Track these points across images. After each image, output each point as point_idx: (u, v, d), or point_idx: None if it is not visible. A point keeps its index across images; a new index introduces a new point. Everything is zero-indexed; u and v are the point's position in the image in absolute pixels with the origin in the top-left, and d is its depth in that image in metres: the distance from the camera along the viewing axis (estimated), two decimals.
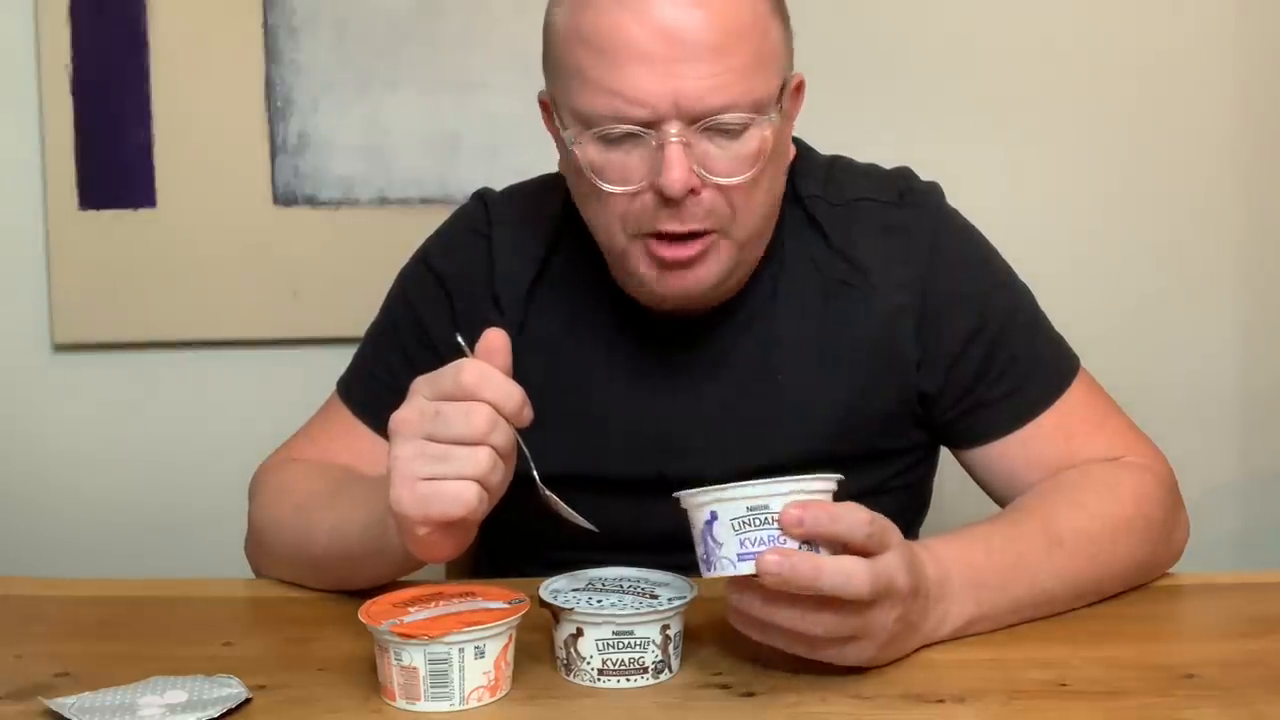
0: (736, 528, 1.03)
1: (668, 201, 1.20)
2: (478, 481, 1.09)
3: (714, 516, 1.04)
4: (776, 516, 1.03)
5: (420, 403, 1.10)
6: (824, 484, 1.05)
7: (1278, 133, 2.00)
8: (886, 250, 1.35)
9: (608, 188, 1.22)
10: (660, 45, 1.18)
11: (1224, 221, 2.01)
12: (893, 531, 1.07)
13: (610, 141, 1.21)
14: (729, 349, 1.35)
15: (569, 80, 1.23)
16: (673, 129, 1.19)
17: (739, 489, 1.03)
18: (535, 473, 1.15)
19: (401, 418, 1.11)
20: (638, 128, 1.20)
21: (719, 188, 1.22)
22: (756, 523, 1.03)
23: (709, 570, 1.06)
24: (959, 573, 1.14)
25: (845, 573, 1.03)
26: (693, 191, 1.21)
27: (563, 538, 1.24)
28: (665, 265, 1.25)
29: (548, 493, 1.16)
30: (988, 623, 1.17)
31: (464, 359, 1.11)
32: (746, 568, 1.03)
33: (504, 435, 1.10)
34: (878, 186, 1.39)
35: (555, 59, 1.25)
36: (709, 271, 1.26)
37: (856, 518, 1.04)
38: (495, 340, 1.12)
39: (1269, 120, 2.00)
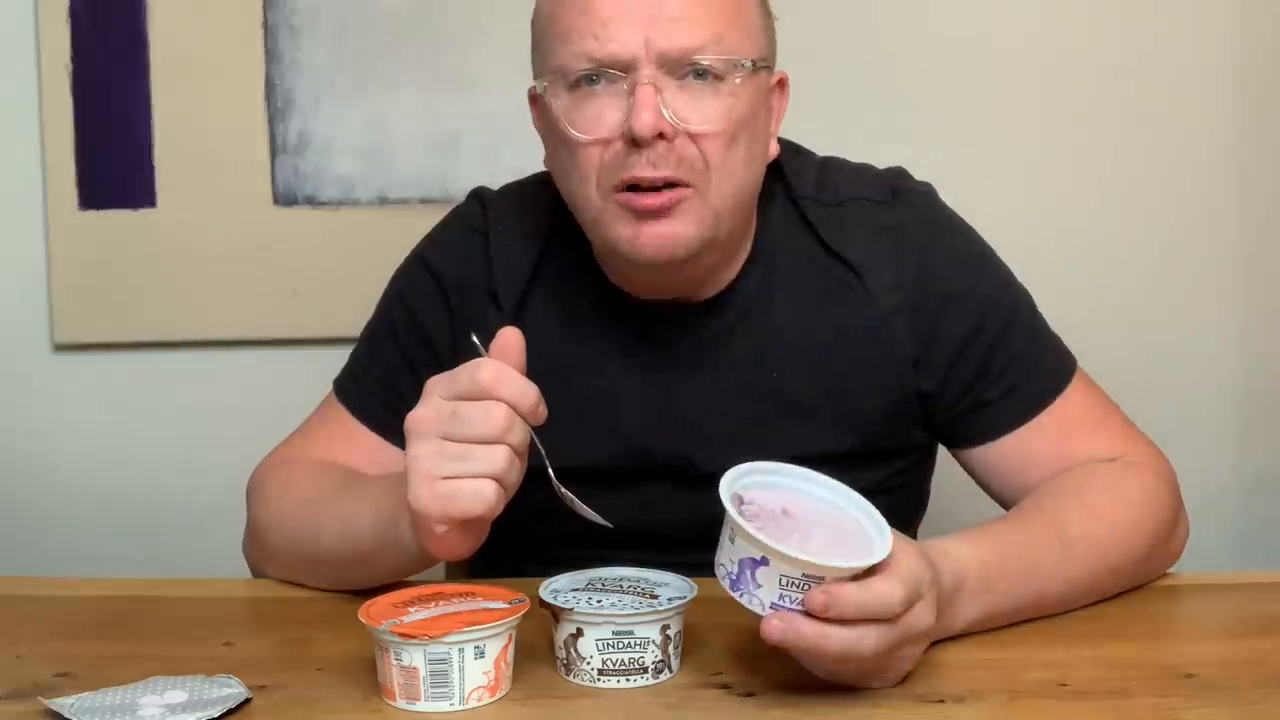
0: (783, 584, 1.02)
1: (638, 146, 1.21)
2: (496, 479, 1.10)
3: (765, 562, 1.01)
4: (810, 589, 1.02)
5: (437, 402, 1.12)
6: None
7: (1277, 133, 2.00)
8: (879, 249, 1.35)
9: (579, 135, 1.23)
10: None
11: (1223, 222, 2.01)
12: (924, 580, 1.05)
13: (584, 87, 1.23)
14: (724, 345, 1.35)
15: (548, 41, 1.25)
16: (645, 71, 1.20)
17: (799, 555, 1.00)
18: (551, 470, 1.16)
19: (418, 417, 1.12)
20: (611, 70, 1.21)
21: (691, 137, 1.23)
22: (803, 587, 1.02)
23: (734, 590, 1.03)
24: (973, 575, 1.14)
25: (855, 636, 1.02)
26: (663, 137, 1.21)
27: (562, 534, 1.25)
28: (640, 216, 1.24)
29: (563, 490, 1.17)
30: (993, 622, 1.17)
31: (480, 358, 1.12)
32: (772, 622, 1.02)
33: (520, 433, 1.11)
34: (870, 186, 1.39)
35: (539, 33, 1.28)
36: (685, 228, 1.25)
37: (886, 597, 1.02)
38: (510, 339, 1.14)
39: (1268, 120, 2.00)
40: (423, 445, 1.11)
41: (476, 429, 1.10)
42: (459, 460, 1.10)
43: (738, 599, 1.04)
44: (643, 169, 1.22)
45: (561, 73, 1.24)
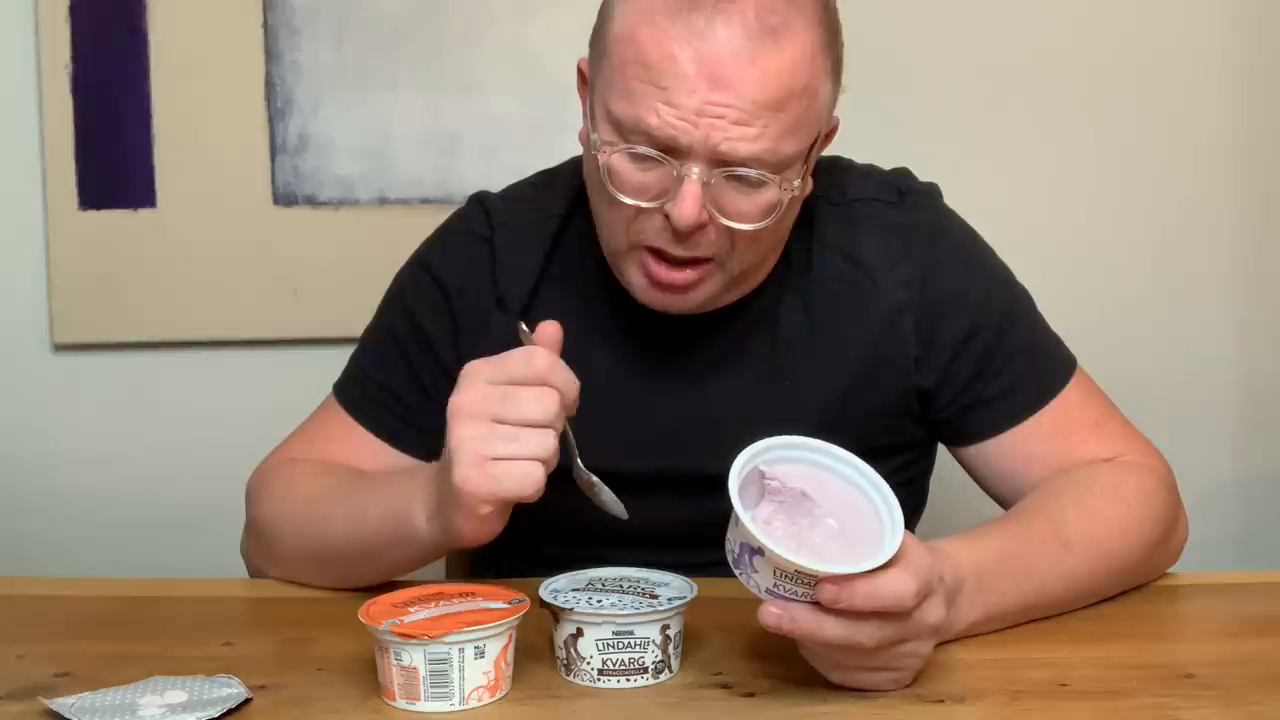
0: (777, 575, 1.03)
1: (674, 230, 1.22)
2: (543, 462, 1.12)
3: (762, 552, 1.02)
4: (816, 583, 1.02)
5: (484, 387, 1.13)
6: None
7: (1274, 133, 2.00)
8: (887, 249, 1.35)
9: (622, 198, 1.23)
10: (707, 88, 1.18)
11: (1222, 221, 2.01)
12: (935, 575, 1.06)
13: (633, 156, 1.22)
14: (732, 348, 1.35)
15: (611, 79, 1.23)
16: (695, 166, 1.20)
17: (789, 557, 1.00)
18: (579, 458, 1.19)
19: (464, 400, 1.14)
20: (662, 155, 1.20)
21: (725, 228, 1.23)
22: (798, 580, 1.03)
23: (736, 568, 1.06)
24: (971, 575, 1.14)
25: (852, 627, 1.03)
26: (700, 226, 1.22)
27: (564, 533, 1.25)
28: (655, 283, 1.26)
29: (591, 476, 1.19)
30: (993, 623, 1.18)
31: (531, 346, 1.15)
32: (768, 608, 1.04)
33: (562, 421, 1.14)
34: (878, 187, 1.39)
35: (604, 50, 1.24)
36: (696, 296, 1.28)
37: (899, 589, 1.02)
38: (554, 331, 1.17)
39: (1266, 120, 2.00)
40: (471, 426, 1.13)
41: (531, 413, 1.12)
42: (511, 441, 1.12)
43: (739, 577, 1.05)
44: (673, 248, 1.24)
45: (615, 125, 1.22)
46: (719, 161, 1.20)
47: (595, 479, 1.20)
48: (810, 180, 1.30)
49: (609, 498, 1.20)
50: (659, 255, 1.25)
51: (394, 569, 1.29)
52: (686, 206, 1.20)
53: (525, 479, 1.12)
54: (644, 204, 1.23)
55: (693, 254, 1.24)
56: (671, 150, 1.20)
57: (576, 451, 1.19)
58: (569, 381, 1.14)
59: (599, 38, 1.26)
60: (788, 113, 1.20)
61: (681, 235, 1.22)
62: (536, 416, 1.12)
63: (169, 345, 2.01)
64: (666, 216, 1.22)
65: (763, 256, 1.31)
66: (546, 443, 1.12)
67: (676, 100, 1.18)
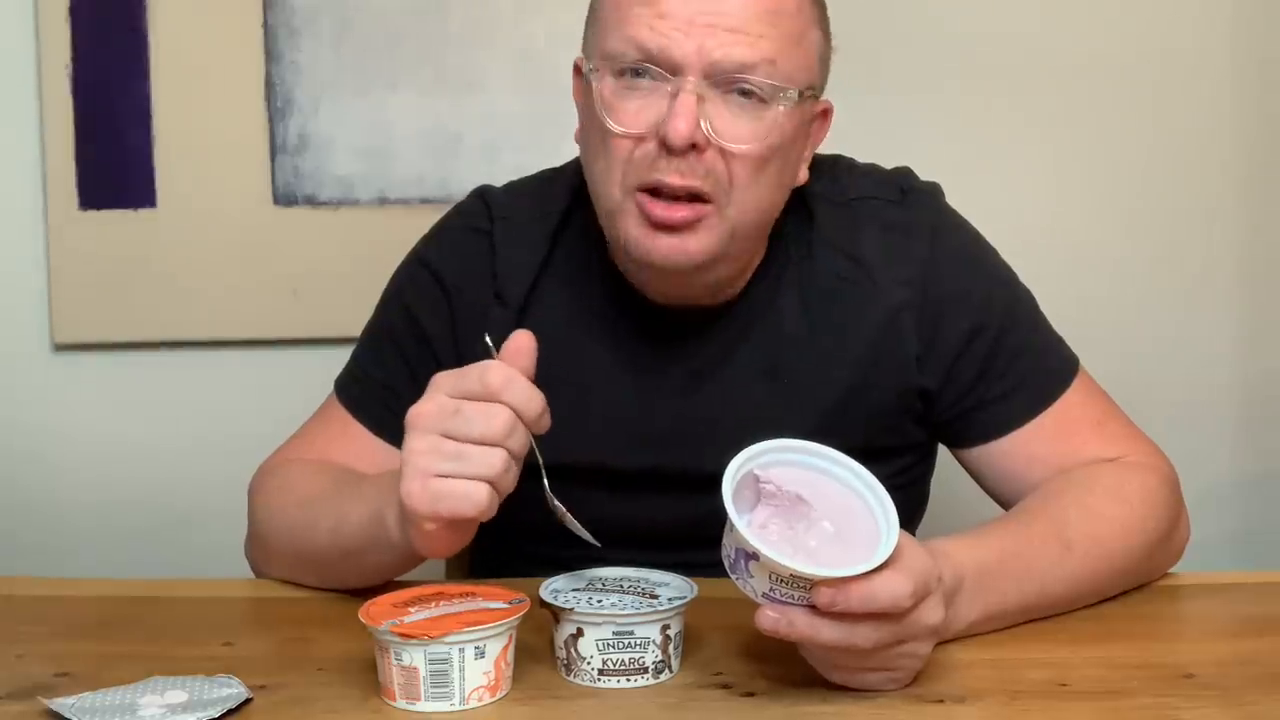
0: (773, 579, 1.03)
1: (669, 151, 1.21)
2: (490, 483, 1.09)
3: (757, 556, 1.02)
4: (812, 586, 1.02)
5: (440, 399, 1.11)
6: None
7: (1275, 133, 2.00)
8: (888, 248, 1.35)
9: (615, 127, 1.23)
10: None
11: (1223, 221, 2.01)
12: (933, 575, 1.06)
13: (629, 78, 1.22)
14: (731, 345, 1.35)
15: (605, 22, 1.24)
16: (690, 79, 1.20)
17: (784, 562, 1.01)
18: (546, 482, 1.15)
19: (420, 411, 1.11)
20: (657, 69, 1.21)
21: (723, 153, 1.22)
22: (794, 584, 1.03)
23: (731, 573, 1.06)
24: (971, 575, 1.14)
25: (849, 630, 1.03)
26: (696, 148, 1.21)
27: (564, 533, 1.25)
28: (655, 226, 1.24)
29: (557, 504, 1.16)
30: (993, 623, 1.18)
31: (490, 361, 1.12)
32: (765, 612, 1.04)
33: (520, 440, 1.11)
34: (879, 185, 1.39)
35: (597, 14, 1.27)
36: (698, 243, 1.25)
37: (895, 591, 1.02)
38: (522, 342, 1.13)
39: (1268, 120, 2.00)
40: (420, 440, 1.10)
41: (477, 430, 1.09)
42: (455, 460, 1.09)
43: (735, 582, 1.05)
44: (669, 175, 1.22)
45: (610, 58, 1.23)
46: (713, 73, 1.20)
47: (562, 508, 1.16)
48: (807, 172, 1.30)
49: (578, 526, 1.17)
50: (656, 194, 1.23)
51: (378, 572, 1.28)
52: (680, 120, 1.19)
53: (466, 500, 1.09)
54: (638, 130, 1.22)
55: (689, 183, 1.22)
56: (666, 65, 1.20)
57: (545, 474, 1.15)
58: (527, 398, 1.10)
59: (592, 11, 1.29)
60: (780, 28, 1.22)
61: (678, 151, 1.20)
62: (483, 434, 1.09)
63: (169, 345, 2.01)
64: (662, 144, 1.21)
65: (757, 211, 1.28)
66: (493, 462, 1.09)
67: (669, 10, 1.20)
